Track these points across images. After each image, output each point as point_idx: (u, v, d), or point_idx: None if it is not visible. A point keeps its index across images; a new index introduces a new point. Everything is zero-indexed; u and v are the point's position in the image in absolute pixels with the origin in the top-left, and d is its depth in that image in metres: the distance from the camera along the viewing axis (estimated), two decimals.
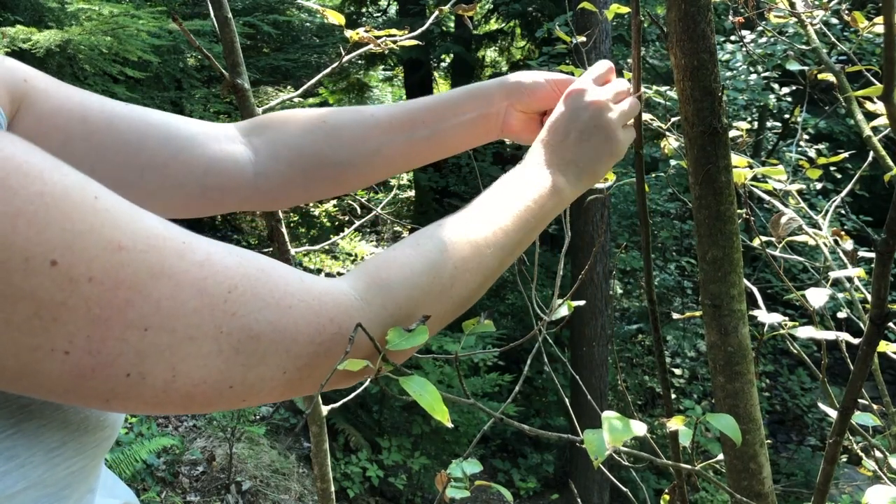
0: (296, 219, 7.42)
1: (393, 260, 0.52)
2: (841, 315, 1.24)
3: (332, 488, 1.44)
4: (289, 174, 0.70)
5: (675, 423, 0.68)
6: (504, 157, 8.07)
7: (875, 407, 1.06)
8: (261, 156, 0.69)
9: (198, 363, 0.40)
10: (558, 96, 0.76)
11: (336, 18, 1.18)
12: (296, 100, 1.33)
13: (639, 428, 0.58)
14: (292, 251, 1.38)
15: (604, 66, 0.72)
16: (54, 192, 0.35)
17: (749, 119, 6.69)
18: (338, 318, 0.46)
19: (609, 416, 0.58)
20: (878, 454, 0.97)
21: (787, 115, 6.66)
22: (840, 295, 1.22)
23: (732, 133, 1.22)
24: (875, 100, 1.26)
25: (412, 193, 10.42)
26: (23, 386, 0.37)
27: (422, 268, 0.52)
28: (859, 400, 0.90)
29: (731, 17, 1.46)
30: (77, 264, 0.35)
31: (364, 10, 10.09)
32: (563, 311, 0.98)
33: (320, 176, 0.71)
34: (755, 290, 1.13)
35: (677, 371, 7.24)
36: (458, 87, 0.76)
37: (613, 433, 0.55)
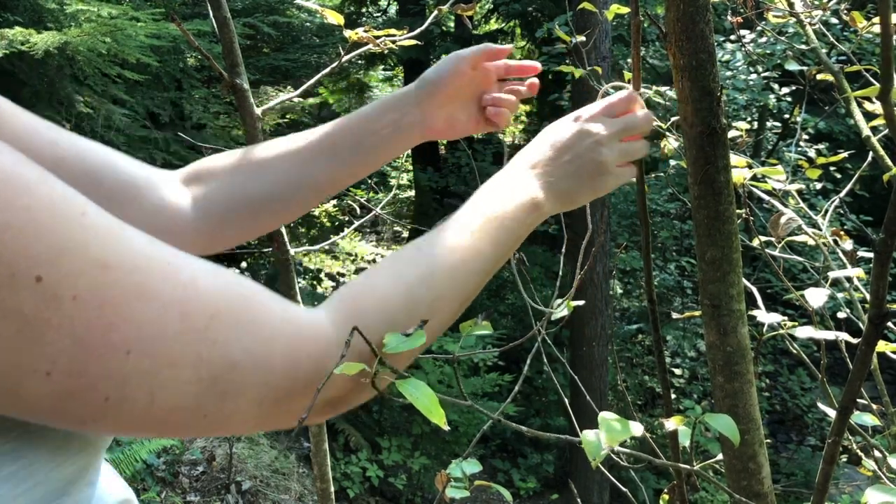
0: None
1: (372, 290, 0.52)
2: (841, 315, 1.24)
3: (332, 488, 1.44)
4: (226, 216, 0.72)
5: (675, 423, 0.68)
6: (504, 156, 8.06)
7: (874, 407, 1.06)
8: (198, 202, 0.71)
9: (176, 389, 0.39)
10: (491, 73, 0.79)
11: (336, 18, 1.18)
12: (295, 99, 1.33)
13: (635, 429, 0.58)
14: (292, 251, 1.38)
15: (626, 96, 0.71)
16: (41, 206, 0.34)
17: (749, 119, 6.69)
18: (314, 354, 0.46)
19: (606, 417, 0.58)
20: (877, 454, 0.97)
21: (786, 115, 6.66)
22: (839, 295, 1.21)
23: (732, 133, 1.22)
24: (874, 100, 1.26)
25: (412, 193, 10.42)
26: (2, 405, 0.36)
27: (400, 302, 0.52)
28: (858, 400, 0.90)
29: (729, 17, 1.46)
30: (62, 281, 0.34)
31: (364, 10, 10.09)
32: (564, 312, 0.98)
33: (254, 213, 0.73)
34: (755, 290, 1.13)
35: (677, 371, 7.24)
36: (377, 100, 0.78)
37: (610, 433, 0.55)
